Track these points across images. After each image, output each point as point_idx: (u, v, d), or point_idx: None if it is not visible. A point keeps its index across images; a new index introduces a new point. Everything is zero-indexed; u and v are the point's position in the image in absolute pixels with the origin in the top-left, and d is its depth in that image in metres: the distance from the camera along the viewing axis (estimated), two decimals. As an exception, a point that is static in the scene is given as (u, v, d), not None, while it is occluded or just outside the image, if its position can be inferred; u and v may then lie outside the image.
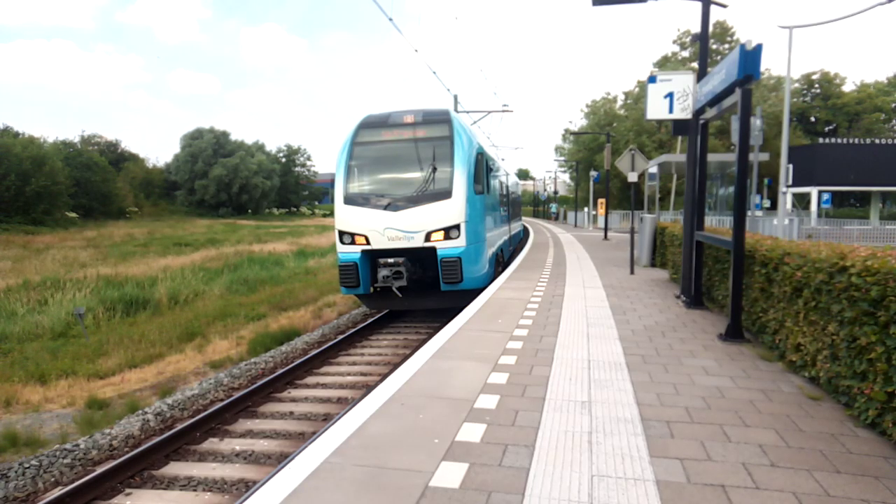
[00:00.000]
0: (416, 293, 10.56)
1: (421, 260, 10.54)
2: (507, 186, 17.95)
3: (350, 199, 10.26)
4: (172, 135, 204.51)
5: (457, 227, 9.88)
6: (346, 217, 10.18)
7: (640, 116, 40.73)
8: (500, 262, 14.05)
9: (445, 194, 9.97)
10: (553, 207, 62.32)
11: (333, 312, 13.66)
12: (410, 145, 10.51)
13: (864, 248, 4.17)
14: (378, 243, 9.95)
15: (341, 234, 10.19)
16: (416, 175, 10.30)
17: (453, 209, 9.89)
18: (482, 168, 11.34)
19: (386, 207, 9.99)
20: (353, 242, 10.07)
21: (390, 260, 9.98)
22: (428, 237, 9.86)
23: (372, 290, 10.47)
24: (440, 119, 10.65)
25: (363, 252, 10.03)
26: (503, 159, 26.59)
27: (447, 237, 9.88)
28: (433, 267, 10.24)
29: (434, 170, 10.18)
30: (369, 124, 10.90)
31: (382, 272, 9.93)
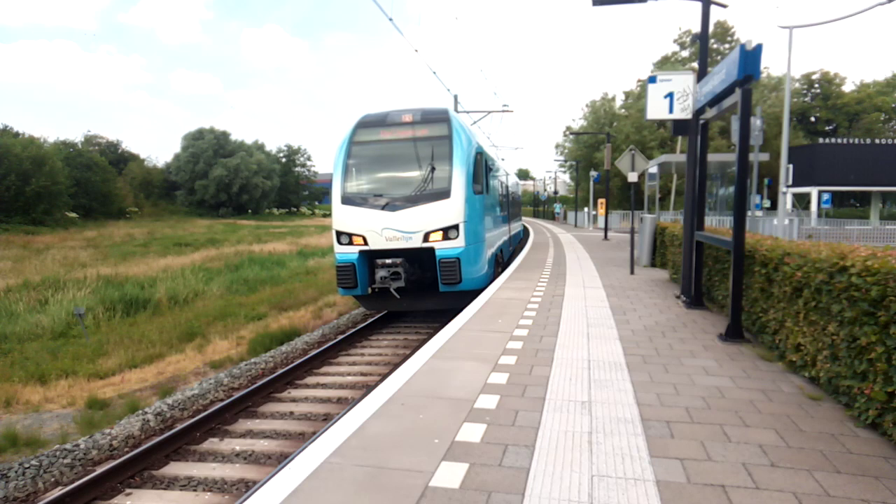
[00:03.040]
0: (414, 294, 10.42)
1: (420, 261, 10.39)
2: (506, 186, 17.74)
3: (348, 199, 10.12)
4: (173, 135, 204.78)
5: (455, 227, 9.74)
6: (343, 217, 10.05)
7: (639, 115, 40.75)
8: (500, 262, 13.86)
9: (444, 194, 9.82)
10: (557, 208, 62.22)
11: (333, 312, 13.66)
12: (409, 145, 10.37)
13: (864, 248, 4.17)
14: (376, 244, 9.81)
15: (339, 234, 10.06)
16: (415, 175, 10.15)
17: (452, 209, 9.75)
18: (481, 168, 11.16)
19: (384, 207, 9.83)
20: (350, 243, 9.94)
21: (388, 261, 9.82)
22: (426, 237, 9.72)
23: (370, 290, 10.34)
24: (439, 118, 10.50)
25: (361, 252, 9.90)
26: (503, 159, 26.52)
27: (446, 237, 9.73)
28: (432, 268, 10.11)
29: (432, 169, 10.03)
30: (367, 123, 10.75)
31: (380, 273, 9.79)
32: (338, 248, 10.09)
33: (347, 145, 10.52)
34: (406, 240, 9.71)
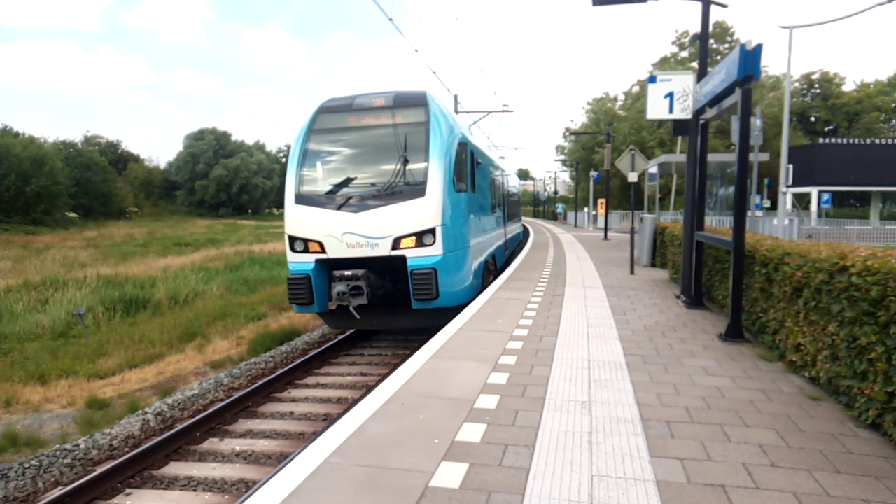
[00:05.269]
0: (385, 310, 8.95)
1: (391, 270, 8.87)
2: (502, 184, 16.39)
3: (303, 198, 8.58)
4: (173, 135, 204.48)
5: (431, 231, 8.19)
6: (297, 219, 8.52)
7: (638, 116, 40.77)
8: (492, 270, 12.42)
9: (418, 192, 8.25)
10: (559, 208, 62.29)
11: (333, 312, 13.65)
12: (378, 133, 8.84)
13: (864, 248, 4.17)
14: (335, 251, 8.27)
15: (292, 239, 8.52)
16: (384, 169, 8.62)
17: (427, 210, 8.19)
18: (465, 161, 9.53)
19: (344, 208, 8.31)
20: (305, 250, 8.42)
21: (347, 273, 8.26)
22: (396, 244, 8.17)
23: (333, 306, 8.81)
24: (415, 102, 8.92)
25: (318, 262, 8.36)
26: (503, 157, 26.36)
27: (419, 244, 8.18)
28: (405, 278, 8.51)
29: (405, 162, 8.48)
30: (330, 108, 9.21)
31: (337, 287, 8.23)
32: (291, 257, 8.58)
33: (305, 134, 9.02)
34: (371, 247, 8.19)
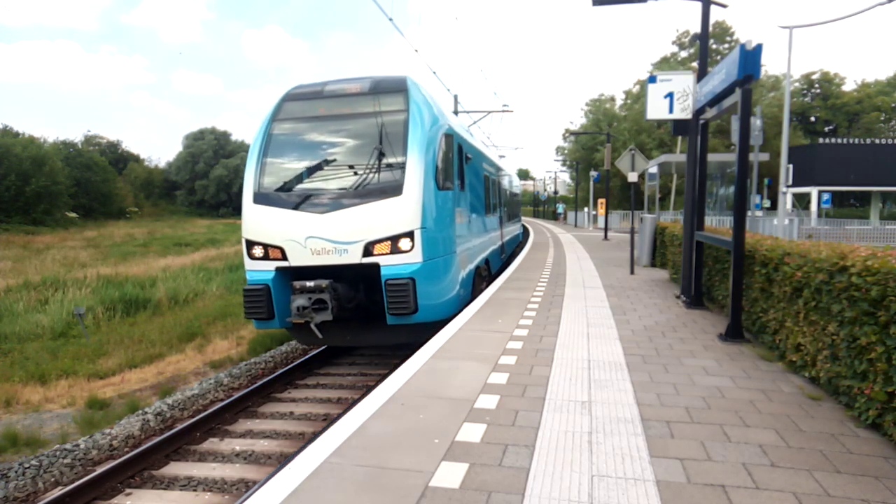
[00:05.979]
0: (358, 324, 8.02)
1: (365, 280, 7.89)
2: (499, 182, 15.29)
3: (262, 198, 7.58)
4: (173, 135, 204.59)
5: (409, 235, 7.17)
6: (256, 222, 7.55)
7: (639, 116, 40.81)
8: (484, 277, 11.36)
9: (394, 190, 7.22)
10: (560, 208, 62.40)
11: (333, 312, 13.63)
12: (350, 123, 7.89)
13: (864, 248, 4.17)
14: (298, 258, 7.28)
15: (249, 244, 7.55)
16: (355, 164, 7.64)
17: (404, 211, 7.16)
18: (451, 155, 8.40)
19: (307, 208, 7.32)
20: (265, 257, 7.44)
21: (309, 284, 7.20)
22: (368, 250, 7.16)
23: (301, 320, 7.49)
24: (393, 88, 7.91)
25: (278, 271, 7.41)
26: (503, 157, 26.27)
27: (395, 250, 7.16)
28: (380, 289, 7.45)
29: (380, 156, 7.47)
30: (298, 96, 8.25)
31: (297, 301, 7.13)
32: (249, 265, 7.58)
33: (267, 124, 8.05)
34: (339, 253, 7.17)
